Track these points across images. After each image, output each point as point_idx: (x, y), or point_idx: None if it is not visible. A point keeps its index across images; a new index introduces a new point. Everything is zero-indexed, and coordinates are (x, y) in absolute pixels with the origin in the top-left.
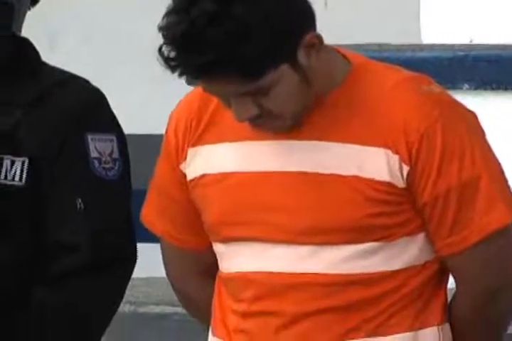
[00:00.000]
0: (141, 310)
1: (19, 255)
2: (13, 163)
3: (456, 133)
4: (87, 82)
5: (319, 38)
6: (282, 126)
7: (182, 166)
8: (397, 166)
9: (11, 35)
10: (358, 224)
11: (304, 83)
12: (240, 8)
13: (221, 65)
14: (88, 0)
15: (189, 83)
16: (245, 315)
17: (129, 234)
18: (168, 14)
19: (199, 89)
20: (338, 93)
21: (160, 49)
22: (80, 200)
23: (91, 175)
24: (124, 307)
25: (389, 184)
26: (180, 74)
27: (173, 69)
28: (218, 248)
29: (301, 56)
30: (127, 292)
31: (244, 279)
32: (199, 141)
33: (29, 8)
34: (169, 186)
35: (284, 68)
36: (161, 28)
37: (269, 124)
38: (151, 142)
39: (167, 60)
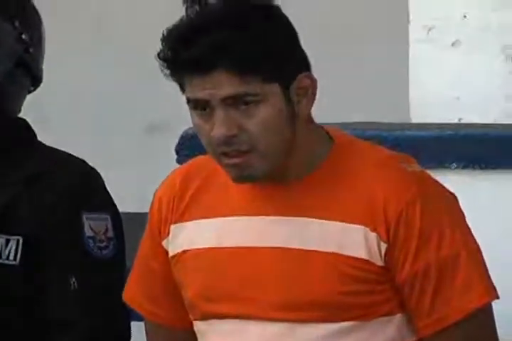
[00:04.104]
0: None
1: (9, 332)
2: (7, 241)
3: (435, 213)
4: (83, 161)
5: (314, 83)
6: (255, 167)
7: (164, 243)
8: (375, 244)
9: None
10: (332, 301)
11: (288, 120)
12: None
13: (224, 54)
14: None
15: (182, 90)
16: None
17: (122, 313)
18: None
19: (180, 169)
20: (321, 170)
21: (160, 54)
22: (73, 279)
23: (85, 255)
24: None
25: (367, 262)
26: (182, 71)
27: (176, 66)
28: (197, 326)
29: (293, 90)
30: None
31: None
32: (181, 218)
33: (29, 91)
34: (151, 262)
35: (275, 88)
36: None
37: (243, 161)
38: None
39: (170, 56)
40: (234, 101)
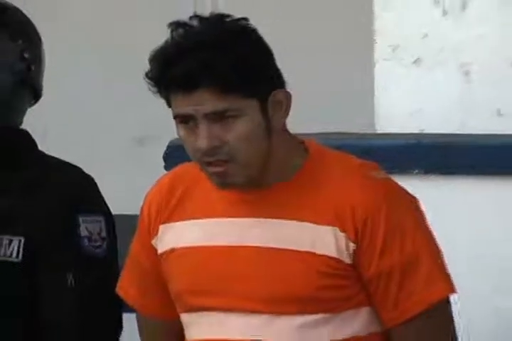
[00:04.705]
0: None
1: (9, 332)
2: (10, 241)
3: (399, 216)
4: (79, 168)
5: (288, 97)
6: (235, 175)
7: (154, 241)
8: (344, 244)
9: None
10: (307, 296)
11: (264, 132)
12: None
13: (207, 74)
14: None
15: (169, 105)
16: None
17: (115, 306)
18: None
19: (168, 175)
20: (296, 177)
21: (147, 73)
22: (70, 276)
23: (81, 253)
24: None
25: (337, 260)
26: (168, 89)
27: (162, 84)
28: (183, 318)
29: (269, 104)
30: None
31: None
32: (169, 218)
33: (30, 105)
34: (142, 259)
35: (253, 103)
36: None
37: (224, 170)
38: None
39: (158, 75)
40: (216, 116)
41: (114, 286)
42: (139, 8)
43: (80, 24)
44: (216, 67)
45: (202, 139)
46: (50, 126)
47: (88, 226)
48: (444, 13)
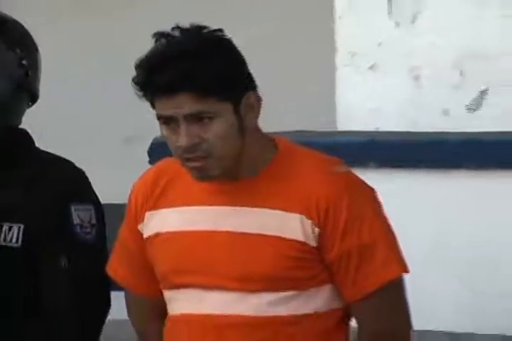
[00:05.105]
0: None
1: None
2: (10, 228)
3: (359, 204)
4: (72, 163)
5: (259, 100)
6: (212, 169)
7: (140, 227)
8: (310, 229)
9: (5, 126)
10: (276, 275)
11: (238, 131)
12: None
13: (187, 81)
14: None
15: (153, 107)
16: None
17: (105, 286)
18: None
19: (153, 168)
20: (267, 171)
21: (134, 79)
22: (64, 259)
23: (73, 238)
24: None
25: (303, 243)
26: (152, 93)
27: (147, 89)
28: (166, 294)
29: (242, 106)
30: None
31: (186, 319)
32: (154, 206)
33: (28, 106)
34: (129, 243)
35: (227, 106)
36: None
37: (202, 165)
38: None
39: (143, 80)
40: (194, 118)
41: (104, 267)
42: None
43: (79, 26)
44: (195, 75)
45: (182, 138)
46: (48, 126)
47: (80, 215)
48: (397, 24)
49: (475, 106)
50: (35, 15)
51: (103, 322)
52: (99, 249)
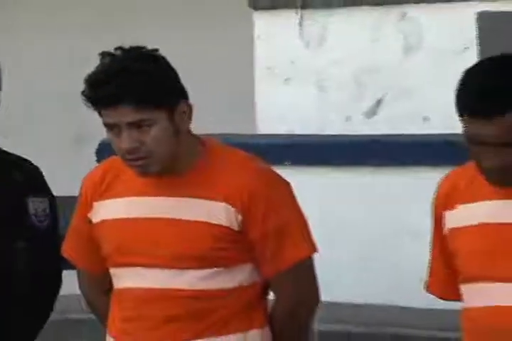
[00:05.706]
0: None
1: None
2: None
3: (275, 195)
4: (29, 161)
5: (190, 107)
6: (151, 166)
7: (89, 215)
8: (233, 216)
9: None
10: (206, 255)
11: (173, 135)
12: (143, 65)
13: (127, 94)
14: None
15: (100, 115)
16: (127, 320)
17: (58, 265)
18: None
19: (100, 165)
20: (197, 166)
21: (83, 92)
22: (23, 243)
23: (29, 226)
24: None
25: (228, 228)
26: (98, 105)
27: (94, 101)
28: (112, 271)
29: (175, 113)
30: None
31: (129, 293)
32: (101, 197)
33: None
34: (80, 227)
35: (163, 113)
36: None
37: (143, 163)
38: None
39: (90, 94)
40: (134, 125)
41: (57, 250)
42: None
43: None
44: (133, 90)
45: (124, 142)
46: (9, 127)
47: (35, 206)
48: (306, 44)
49: (371, 113)
50: None
51: (57, 292)
52: (51, 235)
